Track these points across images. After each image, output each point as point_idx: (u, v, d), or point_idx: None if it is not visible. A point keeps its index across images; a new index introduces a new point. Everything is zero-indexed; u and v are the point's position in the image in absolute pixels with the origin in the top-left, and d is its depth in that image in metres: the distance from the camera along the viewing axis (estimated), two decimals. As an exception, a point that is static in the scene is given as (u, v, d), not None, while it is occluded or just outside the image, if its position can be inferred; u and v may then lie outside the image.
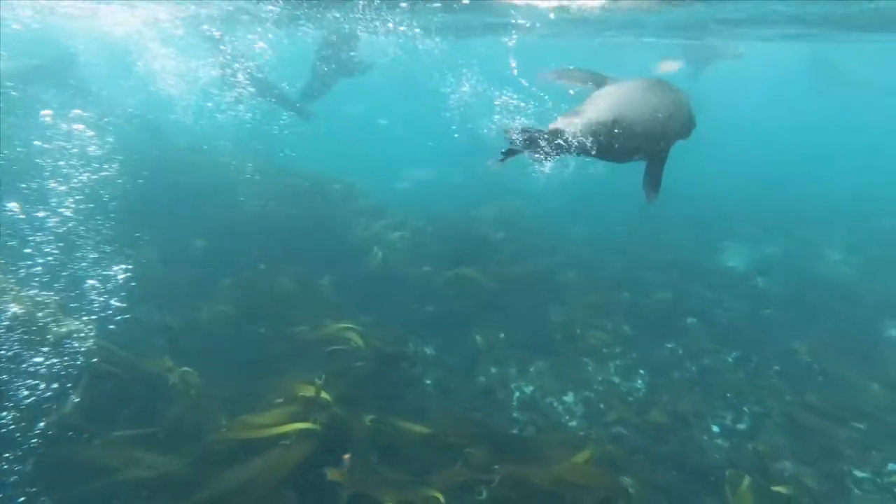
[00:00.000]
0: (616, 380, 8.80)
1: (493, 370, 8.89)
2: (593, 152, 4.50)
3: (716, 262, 12.04)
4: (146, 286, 8.30)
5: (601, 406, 8.07)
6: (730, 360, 8.98)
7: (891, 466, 6.99)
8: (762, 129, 36.55)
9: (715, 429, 7.72)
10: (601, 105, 4.55)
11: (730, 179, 19.59)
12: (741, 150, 26.86)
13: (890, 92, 27.63)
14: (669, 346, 9.43)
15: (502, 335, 9.52)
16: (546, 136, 4.51)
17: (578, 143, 4.47)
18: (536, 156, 4.56)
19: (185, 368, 6.51)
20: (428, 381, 8.43)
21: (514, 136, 4.47)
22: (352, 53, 11.04)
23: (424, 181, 19.32)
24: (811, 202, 15.90)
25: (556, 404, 8.26)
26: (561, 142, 4.53)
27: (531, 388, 8.55)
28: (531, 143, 4.57)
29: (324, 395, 6.08)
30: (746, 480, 6.58)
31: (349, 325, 7.99)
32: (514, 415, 8.02)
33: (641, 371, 8.94)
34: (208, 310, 8.38)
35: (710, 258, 12.36)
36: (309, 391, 6.11)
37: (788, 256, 12.20)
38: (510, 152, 4.49)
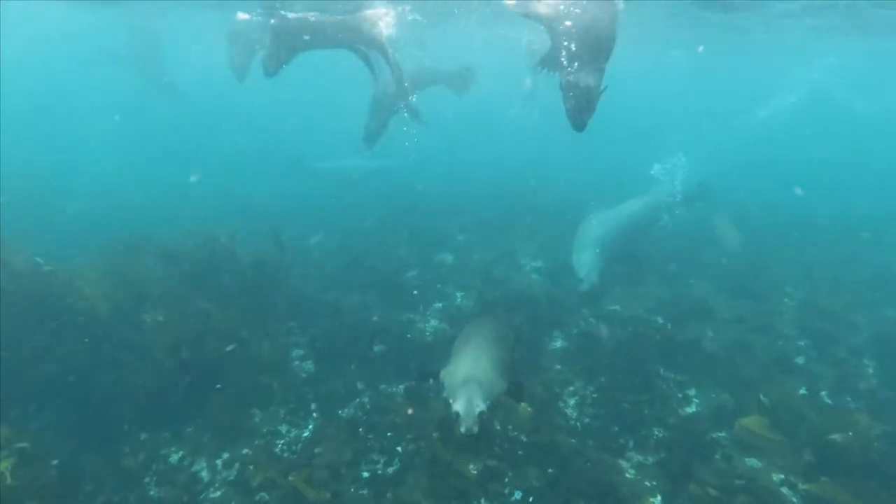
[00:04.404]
0: (283, 429, 8.36)
1: (143, 436, 7.95)
2: None
3: (415, 281, 12.13)
4: None
5: (251, 468, 7.55)
6: (400, 389, 8.98)
7: (516, 495, 7.36)
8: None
9: (365, 475, 7.60)
10: None
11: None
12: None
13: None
14: (351, 379, 9.20)
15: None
16: None
17: None
18: None
19: None
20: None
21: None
22: None
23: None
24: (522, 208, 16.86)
25: (203, 472, 7.59)
26: None
27: (179, 455, 7.78)
28: None
29: None
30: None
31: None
32: (151, 493, 7.21)
33: (314, 414, 8.61)
34: None
35: (408, 275, 12.45)
36: None
37: (492, 267, 12.68)
38: None
